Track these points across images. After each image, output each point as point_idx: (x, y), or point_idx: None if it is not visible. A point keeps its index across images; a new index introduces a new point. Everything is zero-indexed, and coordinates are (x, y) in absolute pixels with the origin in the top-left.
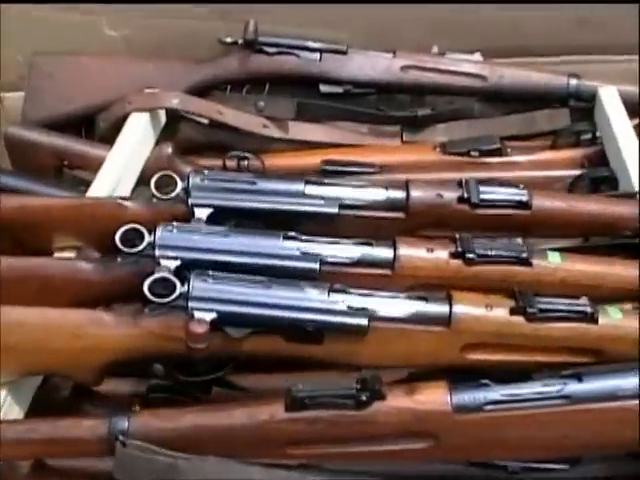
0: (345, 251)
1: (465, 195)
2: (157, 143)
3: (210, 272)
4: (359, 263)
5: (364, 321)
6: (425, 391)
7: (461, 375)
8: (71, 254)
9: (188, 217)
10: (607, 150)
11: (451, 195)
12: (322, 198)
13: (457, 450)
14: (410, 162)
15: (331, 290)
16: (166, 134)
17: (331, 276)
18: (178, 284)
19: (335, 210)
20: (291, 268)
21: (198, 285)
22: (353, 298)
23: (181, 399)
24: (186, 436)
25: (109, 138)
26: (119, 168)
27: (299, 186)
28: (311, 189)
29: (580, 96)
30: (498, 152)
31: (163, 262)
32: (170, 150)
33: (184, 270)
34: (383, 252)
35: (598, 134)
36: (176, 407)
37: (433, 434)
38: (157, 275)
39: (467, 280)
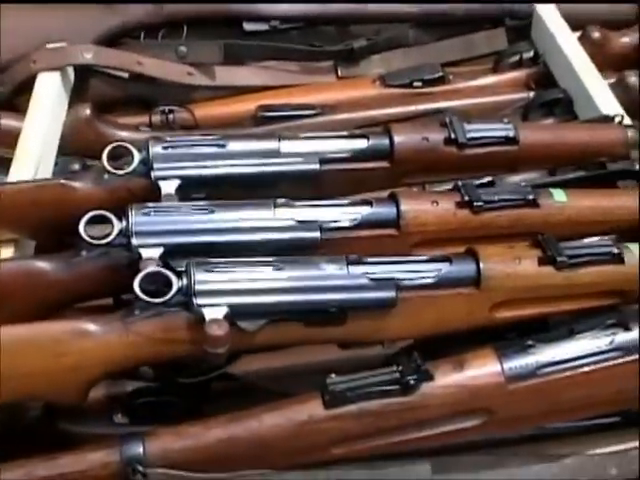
0: (344, 214)
1: (452, 136)
2: (69, 105)
3: (213, 260)
4: (361, 225)
5: (392, 293)
6: (474, 363)
7: (491, 335)
8: (9, 250)
9: (152, 193)
10: (554, 69)
11: (437, 137)
12: (300, 155)
13: (511, 421)
14: (351, 99)
15: (349, 262)
16: (77, 93)
17: (333, 244)
18: (174, 278)
19: (316, 166)
20: (289, 240)
21: (202, 277)
22: (374, 268)
23: (174, 402)
24: (215, 453)
25: (12, 105)
26: (39, 141)
27: (273, 144)
28: (286, 146)
29: (516, 14)
30: (441, 80)
31: (144, 252)
32: (88, 111)
33: (167, 259)
34: (385, 210)
35: (540, 52)
36: (193, 421)
37: (488, 408)
38: (149, 270)
39: (476, 230)
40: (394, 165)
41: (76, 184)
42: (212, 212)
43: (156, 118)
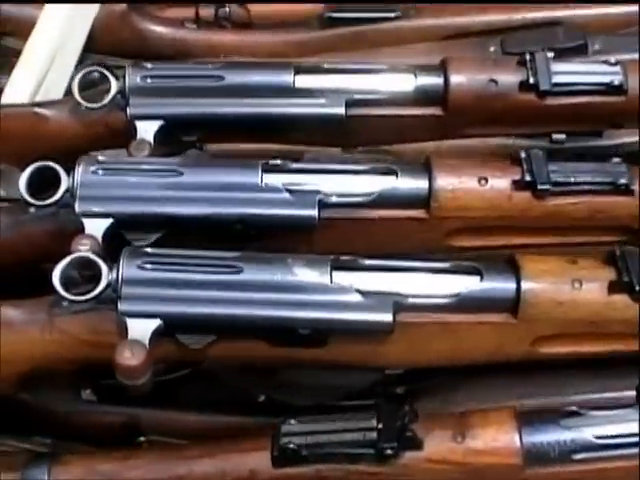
0: (356, 185)
1: (531, 79)
2: None
3: (148, 250)
4: (378, 203)
5: (387, 317)
6: (483, 432)
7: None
8: None
9: (129, 134)
10: None
11: (510, 80)
12: (321, 93)
13: None
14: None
15: (335, 267)
16: None
17: (335, 226)
18: (104, 269)
19: (340, 110)
20: (277, 218)
21: (132, 274)
22: (368, 277)
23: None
24: None
25: None
26: (54, 39)
27: (287, 76)
28: (303, 80)
29: None
30: None
31: (88, 223)
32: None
33: (119, 233)
34: (413, 185)
35: None
36: (116, 451)
37: None
38: (75, 256)
39: (539, 220)
40: (449, 114)
41: (49, 114)
42: (180, 174)
43: (205, 13)
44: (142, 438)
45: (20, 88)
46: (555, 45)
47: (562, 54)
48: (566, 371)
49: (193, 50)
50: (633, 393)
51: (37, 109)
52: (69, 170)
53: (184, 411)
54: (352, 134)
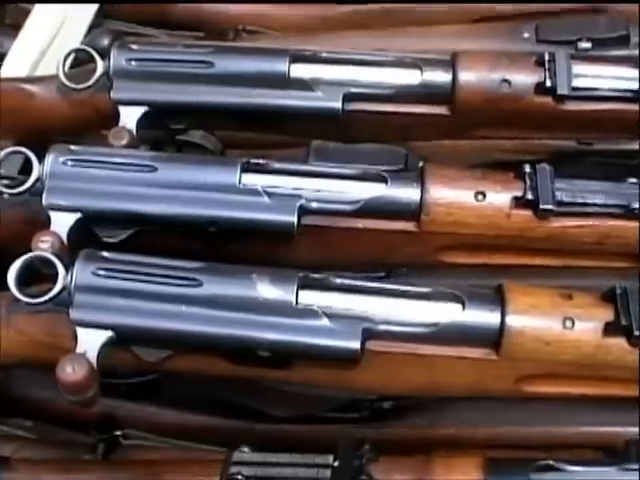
0: (342, 190)
1: (548, 82)
2: None
3: (105, 254)
4: (364, 211)
5: (354, 344)
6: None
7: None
8: None
9: (115, 118)
10: None
11: (525, 80)
12: (317, 84)
13: None
14: None
15: (303, 285)
16: None
17: (317, 234)
18: (61, 271)
19: (336, 104)
20: (252, 222)
21: (84, 280)
22: (338, 299)
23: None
24: None
25: None
26: (57, 11)
27: (281, 65)
28: (299, 70)
29: None
30: None
31: (55, 217)
32: None
33: (86, 228)
34: (404, 194)
35: None
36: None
37: None
38: (30, 256)
39: (539, 242)
40: (455, 114)
41: (36, 90)
42: (154, 170)
43: None
44: (118, 432)
45: (19, 61)
46: (594, 35)
47: (601, 45)
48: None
49: (212, 21)
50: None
51: (24, 85)
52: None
53: (162, 407)
54: (349, 130)
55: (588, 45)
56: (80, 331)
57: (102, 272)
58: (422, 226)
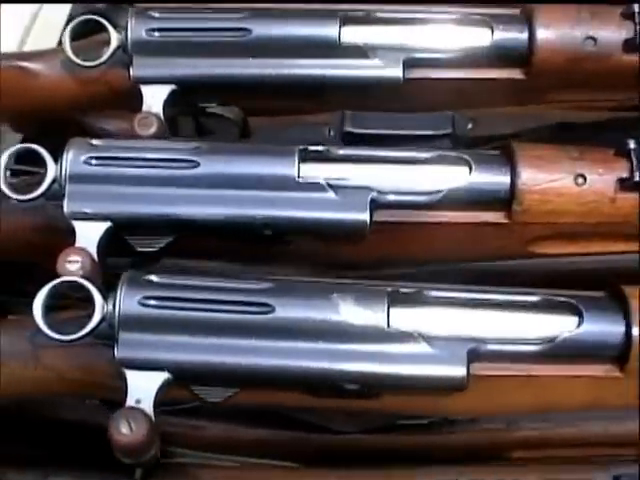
0: (418, 178)
1: (638, 38)
2: None
3: (153, 279)
4: (445, 203)
5: (459, 371)
6: None
7: None
8: None
9: (135, 98)
10: None
11: (611, 37)
12: (373, 50)
13: None
14: None
15: (393, 302)
16: None
17: (392, 231)
18: (98, 300)
19: (397, 72)
20: (316, 223)
21: (130, 312)
22: (436, 316)
23: None
24: None
25: None
26: None
27: (331, 29)
28: (352, 33)
29: None
30: None
31: (80, 227)
32: None
33: (117, 237)
34: (491, 180)
35: None
36: None
37: None
38: (58, 282)
39: None
40: (532, 77)
41: (38, 68)
42: (195, 166)
43: None
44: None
45: (7, 28)
46: None
47: None
48: None
49: None
50: None
51: (23, 63)
52: (58, 147)
53: (206, 419)
54: (410, 99)
55: None
56: (130, 375)
57: (152, 302)
58: (513, 217)
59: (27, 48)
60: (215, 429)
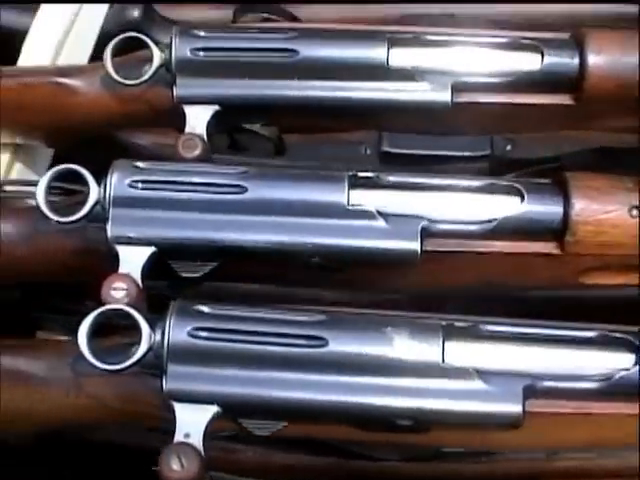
0: (468, 207)
1: None
2: None
3: (204, 309)
4: (497, 233)
5: (515, 407)
6: None
7: None
8: (5, 156)
9: (176, 117)
10: None
11: None
12: (421, 74)
13: None
14: None
15: (448, 335)
16: None
17: (441, 261)
18: (145, 330)
19: (445, 96)
20: (366, 252)
21: (180, 343)
22: (492, 351)
23: None
24: None
25: None
26: None
27: (379, 52)
28: (399, 56)
29: None
30: None
31: (123, 252)
32: None
33: (163, 259)
34: (544, 209)
35: None
36: None
37: None
38: (103, 310)
39: None
40: (581, 103)
41: (77, 85)
42: (243, 191)
43: None
44: None
45: (40, 42)
46: None
47: None
48: None
49: None
50: None
51: (61, 79)
52: (90, 159)
53: (241, 444)
54: (456, 123)
55: None
56: (179, 408)
57: (203, 333)
58: (566, 248)
59: (61, 61)
60: (250, 453)
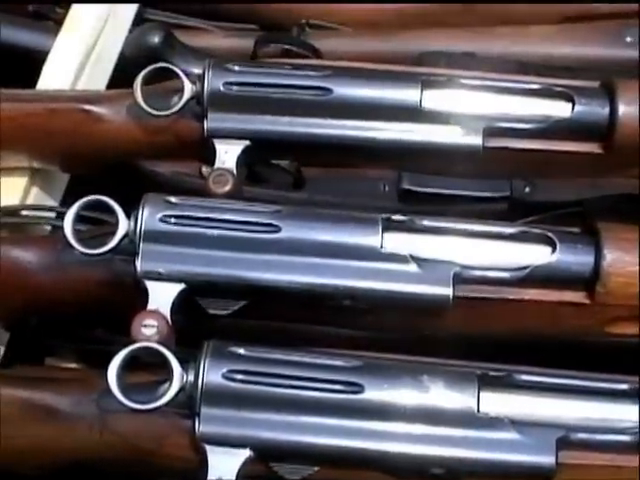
0: (501, 254)
1: None
2: None
3: (240, 351)
4: (529, 281)
5: (548, 459)
6: None
7: None
8: (22, 180)
9: (205, 150)
10: None
11: None
12: (455, 117)
13: None
14: None
15: (483, 385)
16: None
17: (473, 307)
18: (177, 371)
19: (477, 141)
20: (398, 296)
21: (214, 386)
22: (526, 402)
23: None
24: None
25: None
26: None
27: (412, 93)
28: (433, 99)
29: None
30: None
31: (153, 288)
32: None
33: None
34: (576, 260)
35: None
36: None
37: None
38: (134, 348)
39: None
40: (610, 152)
41: (103, 113)
42: (276, 231)
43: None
44: None
45: (62, 64)
46: None
47: None
48: None
49: (268, 13)
50: None
51: (87, 106)
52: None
53: None
54: (486, 167)
55: None
56: (211, 451)
57: (238, 376)
58: (596, 298)
59: (81, 85)
60: None
